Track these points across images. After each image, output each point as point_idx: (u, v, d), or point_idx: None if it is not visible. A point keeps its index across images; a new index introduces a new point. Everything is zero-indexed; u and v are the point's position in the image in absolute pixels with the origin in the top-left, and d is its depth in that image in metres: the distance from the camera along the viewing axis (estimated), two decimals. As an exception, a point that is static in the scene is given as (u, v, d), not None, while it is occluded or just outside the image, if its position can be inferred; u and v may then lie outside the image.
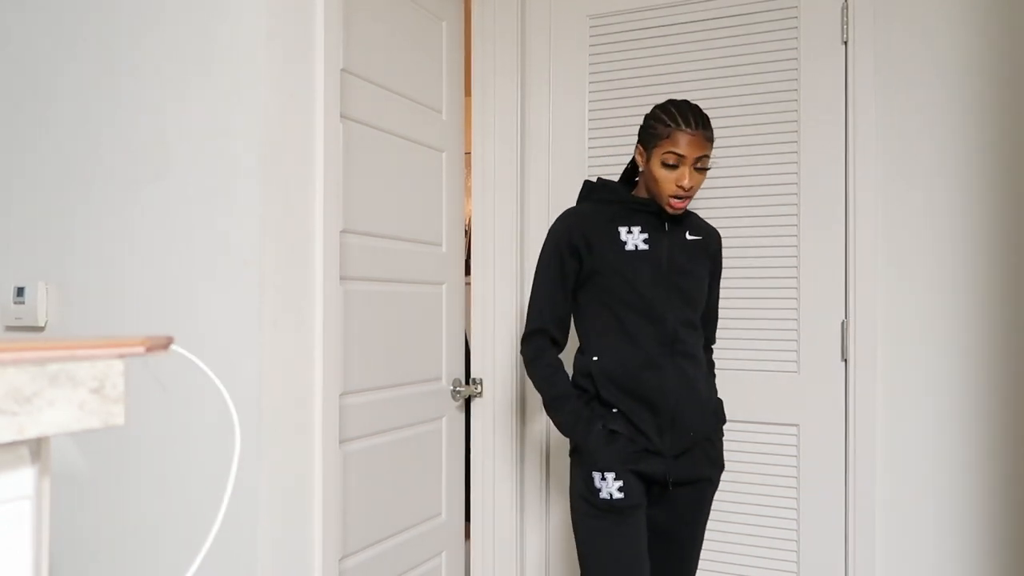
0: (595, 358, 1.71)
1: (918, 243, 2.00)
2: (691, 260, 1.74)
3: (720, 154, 2.18)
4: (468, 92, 2.49)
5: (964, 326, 1.96)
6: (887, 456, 2.02)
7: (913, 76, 2.01)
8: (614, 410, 1.69)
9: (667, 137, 1.66)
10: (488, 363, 2.38)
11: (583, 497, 1.68)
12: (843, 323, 2.07)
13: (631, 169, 1.82)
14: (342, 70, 1.83)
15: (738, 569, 2.15)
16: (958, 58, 1.98)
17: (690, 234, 1.77)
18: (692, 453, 1.73)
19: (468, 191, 3.47)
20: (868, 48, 2.04)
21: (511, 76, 2.38)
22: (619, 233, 1.72)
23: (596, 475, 1.65)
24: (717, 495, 2.17)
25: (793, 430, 2.11)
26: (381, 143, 2.01)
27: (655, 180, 1.68)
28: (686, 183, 1.65)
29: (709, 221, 2.16)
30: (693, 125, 1.65)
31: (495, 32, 2.40)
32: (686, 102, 1.70)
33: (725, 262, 2.15)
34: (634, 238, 1.71)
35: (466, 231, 2.85)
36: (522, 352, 1.78)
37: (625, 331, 1.69)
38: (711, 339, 1.90)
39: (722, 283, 2.12)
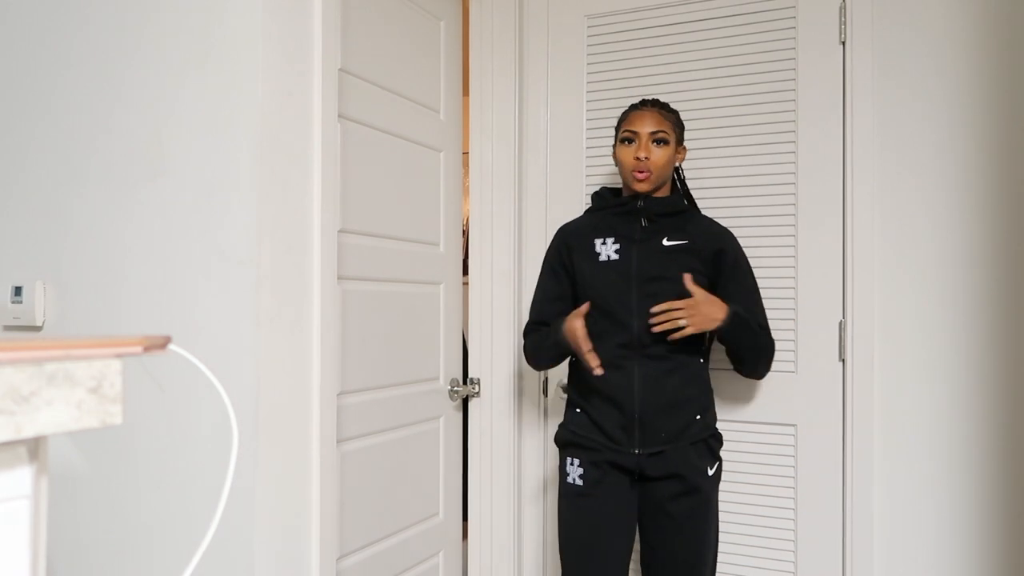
0: (573, 359, 1.90)
1: (916, 243, 2.01)
2: (666, 266, 1.81)
3: (718, 154, 2.18)
4: (466, 92, 2.49)
5: (962, 326, 1.97)
6: (884, 456, 2.02)
7: (911, 76, 2.02)
8: (577, 410, 1.88)
9: (623, 120, 1.86)
10: (486, 363, 2.38)
11: (559, 480, 1.91)
12: (840, 323, 2.07)
13: None
14: (340, 69, 1.83)
15: (736, 569, 2.15)
16: (956, 58, 1.98)
17: (668, 240, 1.84)
18: (672, 451, 1.80)
19: (466, 191, 3.46)
20: (866, 48, 2.04)
21: (509, 76, 2.37)
22: (595, 245, 1.87)
23: (567, 460, 1.87)
24: (714, 495, 2.17)
25: (791, 430, 2.11)
26: (379, 143, 2.01)
27: (620, 163, 1.84)
28: (642, 154, 1.79)
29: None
30: (644, 105, 1.85)
31: (493, 32, 2.39)
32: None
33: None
34: (607, 249, 1.85)
35: (464, 231, 2.85)
36: (523, 347, 2.00)
37: (596, 334, 1.82)
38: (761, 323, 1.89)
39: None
